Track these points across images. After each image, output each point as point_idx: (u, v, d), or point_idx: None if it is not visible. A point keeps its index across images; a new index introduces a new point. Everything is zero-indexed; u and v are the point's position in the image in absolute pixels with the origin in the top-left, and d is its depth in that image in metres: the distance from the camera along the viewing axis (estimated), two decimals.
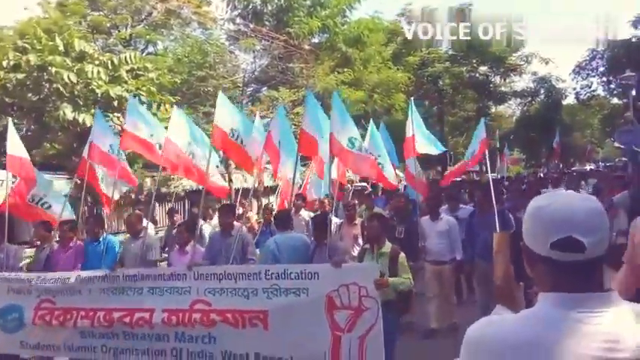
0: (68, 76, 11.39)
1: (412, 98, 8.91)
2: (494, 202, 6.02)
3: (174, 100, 13.12)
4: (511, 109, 39.34)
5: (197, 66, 17.05)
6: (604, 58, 36.45)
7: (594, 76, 37.53)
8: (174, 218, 9.57)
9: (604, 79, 37.17)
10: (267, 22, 22.43)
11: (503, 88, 31.61)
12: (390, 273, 4.56)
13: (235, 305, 4.61)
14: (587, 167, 41.16)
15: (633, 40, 34.04)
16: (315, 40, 23.13)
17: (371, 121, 10.42)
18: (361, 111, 21.28)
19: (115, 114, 11.97)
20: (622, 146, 32.33)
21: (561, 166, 36.63)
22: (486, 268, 5.61)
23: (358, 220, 7.35)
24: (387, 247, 4.81)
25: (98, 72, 11.94)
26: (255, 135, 6.69)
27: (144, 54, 23.75)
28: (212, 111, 16.51)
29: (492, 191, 6.25)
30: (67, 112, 11.52)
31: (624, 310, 1.20)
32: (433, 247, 6.60)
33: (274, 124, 6.87)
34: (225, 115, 6.15)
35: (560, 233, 1.20)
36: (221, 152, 7.43)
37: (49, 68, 11.47)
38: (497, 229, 5.56)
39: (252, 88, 21.13)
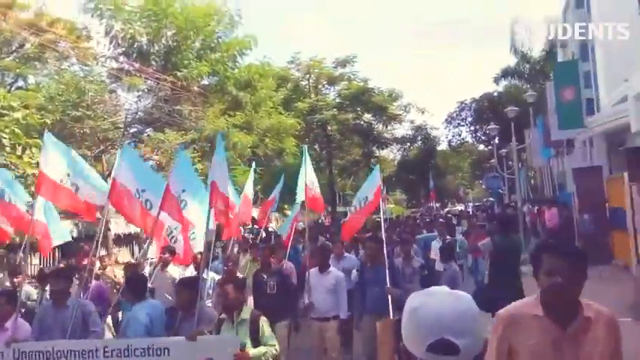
0: None
1: (306, 147, 8.86)
2: (385, 254, 5.89)
3: (41, 144, 11.91)
4: (393, 153, 41.96)
5: (73, 105, 15.74)
6: (471, 109, 40.68)
7: (463, 126, 41.73)
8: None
9: (472, 128, 41.47)
10: (153, 62, 21.67)
11: (385, 135, 33.57)
12: (252, 342, 3.92)
13: None
14: (459, 208, 44.81)
15: (495, 94, 38.50)
16: (205, 82, 22.81)
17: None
18: (252, 154, 21.20)
19: None
20: (489, 190, 35.95)
21: (437, 206, 39.53)
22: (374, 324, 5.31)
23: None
24: (247, 312, 4.11)
25: None
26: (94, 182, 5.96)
27: (12, 88, 21.64)
28: (87, 154, 15.39)
29: (384, 243, 6.17)
30: None
31: None
32: (319, 302, 5.93)
33: (174, 173, 6.20)
34: (55, 159, 5.36)
35: (433, 336, 1.19)
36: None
37: None
38: (388, 283, 5.52)
39: (135, 129, 20.03)
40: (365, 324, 5.77)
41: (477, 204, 51.45)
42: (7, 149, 12.09)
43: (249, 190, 9.68)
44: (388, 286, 5.52)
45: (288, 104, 26.41)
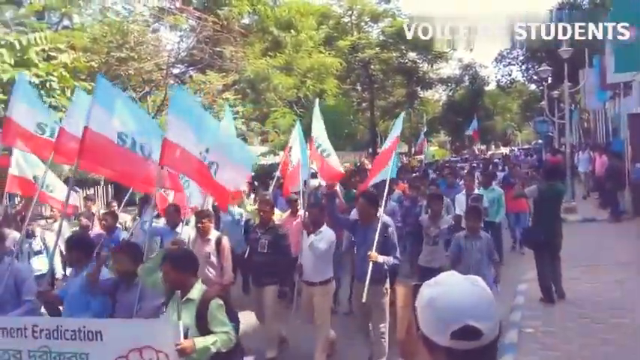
0: None
1: (317, 100, 8.29)
2: (381, 210, 5.14)
3: (89, 87, 12.25)
4: (438, 94, 40.74)
5: (117, 46, 15.97)
6: (524, 47, 38.45)
7: (514, 65, 39.63)
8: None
9: (523, 67, 39.37)
10: (194, 0, 21.48)
11: (430, 74, 32.51)
12: (197, 328, 3.30)
13: None
14: (504, 151, 43.48)
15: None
16: (246, 21, 22.48)
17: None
18: (294, 96, 21.13)
19: None
20: (538, 133, 34.67)
21: (481, 148, 38.54)
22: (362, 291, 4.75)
23: (213, 235, 5.79)
24: (197, 291, 3.44)
25: (1, 55, 10.86)
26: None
27: (58, 28, 22.07)
28: (133, 96, 15.76)
29: (385, 197, 5.64)
30: None
31: None
32: (305, 265, 5.34)
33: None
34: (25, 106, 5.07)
35: (457, 323, 1.21)
36: None
37: None
38: (374, 247, 4.77)
39: (177, 70, 20.21)
40: (356, 290, 5.20)
41: (525, 147, 49.85)
42: (57, 92, 12.51)
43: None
44: (373, 251, 4.77)
45: (330, 43, 25.77)
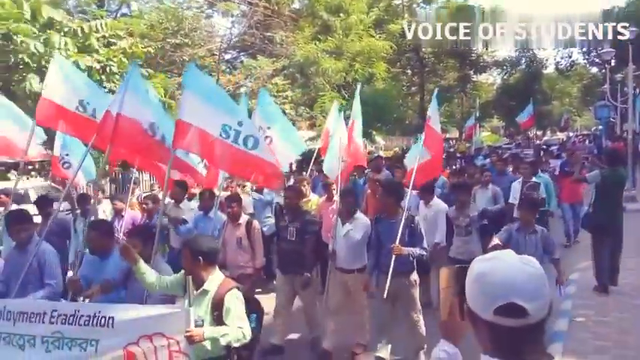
0: (35, 46, 10.92)
1: (359, 85, 8.10)
2: (405, 204, 4.95)
3: (145, 74, 12.73)
4: (492, 77, 39.36)
5: (172, 33, 16.48)
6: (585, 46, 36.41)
7: (575, 46, 37.60)
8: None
9: (584, 48, 37.30)
10: None
11: (485, 57, 31.47)
12: (213, 319, 3.20)
13: None
14: (561, 137, 41.62)
15: (615, 10, 34.01)
16: (296, 5, 22.53)
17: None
18: (342, 80, 21.07)
19: None
20: (598, 119, 32.97)
21: (536, 134, 36.98)
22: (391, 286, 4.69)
23: (243, 219, 5.73)
24: (213, 282, 3.29)
25: (66, 43, 11.46)
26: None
27: (117, 15, 22.97)
28: None
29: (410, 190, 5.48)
30: (34, 83, 11.08)
31: None
32: (338, 253, 5.24)
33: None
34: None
35: (502, 300, 1.22)
36: None
37: (15, 37, 10.98)
38: (398, 240, 4.67)
39: (229, 56, 20.62)
40: (380, 284, 4.96)
41: (584, 132, 47.53)
42: (117, 77, 13.08)
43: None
44: (396, 244, 4.68)
45: (380, 26, 25.37)
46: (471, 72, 32.00)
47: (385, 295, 4.70)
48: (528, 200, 5.73)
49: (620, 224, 6.60)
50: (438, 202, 6.42)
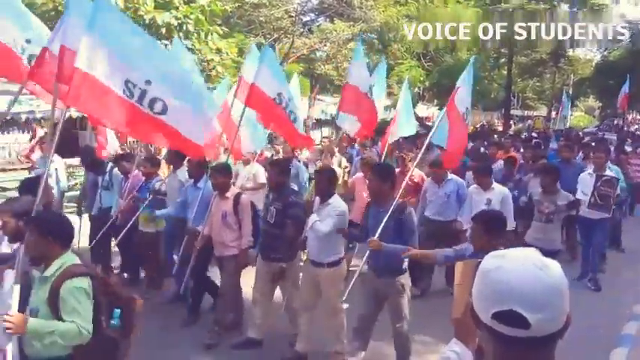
0: (115, 2, 11.24)
1: (407, 77, 7.69)
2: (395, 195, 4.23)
3: (221, 32, 12.76)
4: (592, 52, 36.00)
5: None
6: None
7: None
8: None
9: None
10: None
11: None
12: (51, 312, 2.64)
13: None
14: None
15: None
16: None
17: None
18: (422, 49, 20.16)
19: (163, 41, 11.81)
20: None
21: (635, 118, 33.73)
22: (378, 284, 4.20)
23: (232, 192, 5.07)
24: (55, 267, 2.69)
25: None
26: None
27: None
28: (262, 42, 16.15)
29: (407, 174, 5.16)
30: None
31: None
32: (309, 242, 4.56)
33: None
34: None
35: (501, 305, 1.08)
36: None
37: None
38: (378, 234, 4.01)
39: (307, 18, 20.31)
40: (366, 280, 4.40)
41: None
42: (195, 35, 13.24)
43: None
44: (375, 237, 4.01)
45: None
46: (567, 45, 29.38)
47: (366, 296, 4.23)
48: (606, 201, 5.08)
49: None
50: (498, 186, 5.90)
